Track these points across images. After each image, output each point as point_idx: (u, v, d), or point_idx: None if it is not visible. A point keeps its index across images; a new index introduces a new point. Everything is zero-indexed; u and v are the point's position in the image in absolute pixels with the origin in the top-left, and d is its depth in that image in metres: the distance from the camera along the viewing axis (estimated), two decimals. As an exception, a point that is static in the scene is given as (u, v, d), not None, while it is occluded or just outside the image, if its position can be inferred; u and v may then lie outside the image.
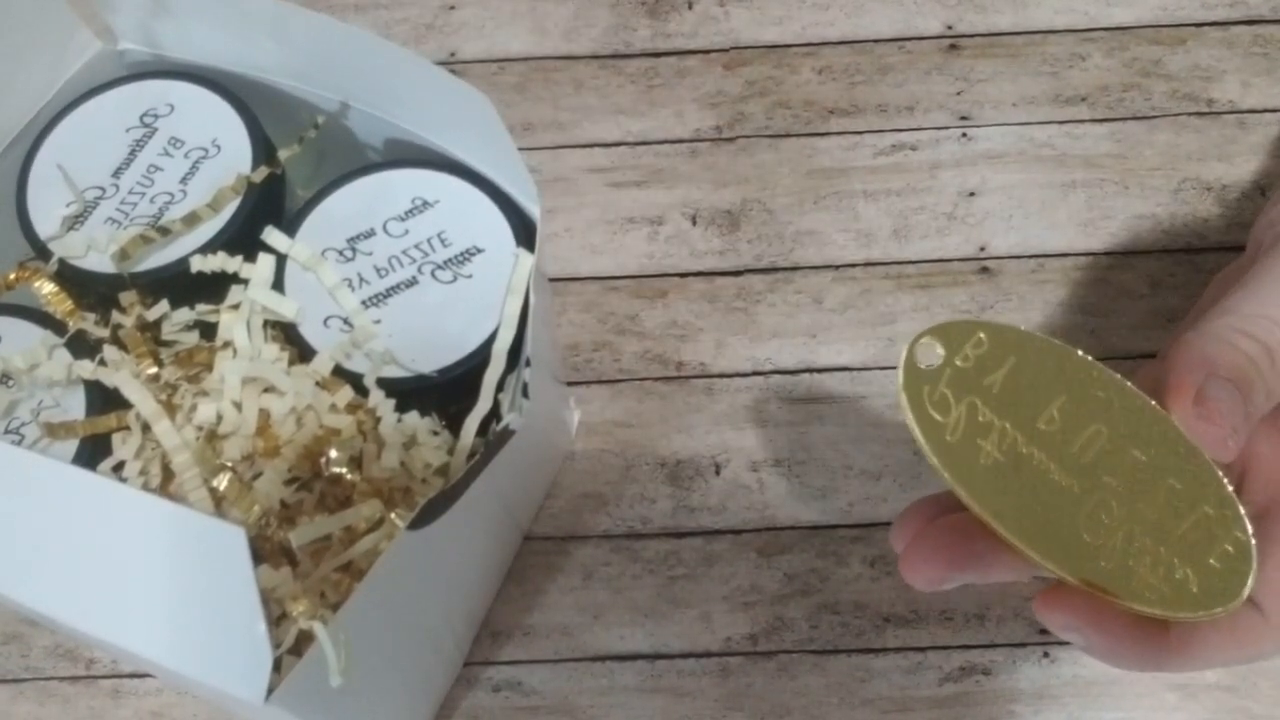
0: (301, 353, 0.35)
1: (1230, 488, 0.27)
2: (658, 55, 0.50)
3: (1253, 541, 0.27)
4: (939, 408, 0.28)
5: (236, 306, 0.35)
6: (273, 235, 0.36)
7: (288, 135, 0.38)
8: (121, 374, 0.34)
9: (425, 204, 0.36)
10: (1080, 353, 0.28)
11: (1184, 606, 0.27)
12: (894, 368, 0.33)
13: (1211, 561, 0.27)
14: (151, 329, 0.36)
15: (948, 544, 0.29)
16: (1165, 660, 0.29)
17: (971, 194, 0.46)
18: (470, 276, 0.35)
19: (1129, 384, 0.28)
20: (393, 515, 0.32)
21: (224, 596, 0.26)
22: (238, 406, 0.34)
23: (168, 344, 0.36)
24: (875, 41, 0.49)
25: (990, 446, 0.28)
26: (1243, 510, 0.27)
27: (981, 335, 0.29)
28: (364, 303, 0.35)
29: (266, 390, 0.34)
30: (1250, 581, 0.27)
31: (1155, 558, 0.27)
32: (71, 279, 0.36)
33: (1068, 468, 0.28)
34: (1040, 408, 0.28)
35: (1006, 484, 0.28)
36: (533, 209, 0.34)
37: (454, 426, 0.35)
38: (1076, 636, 0.29)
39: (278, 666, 0.26)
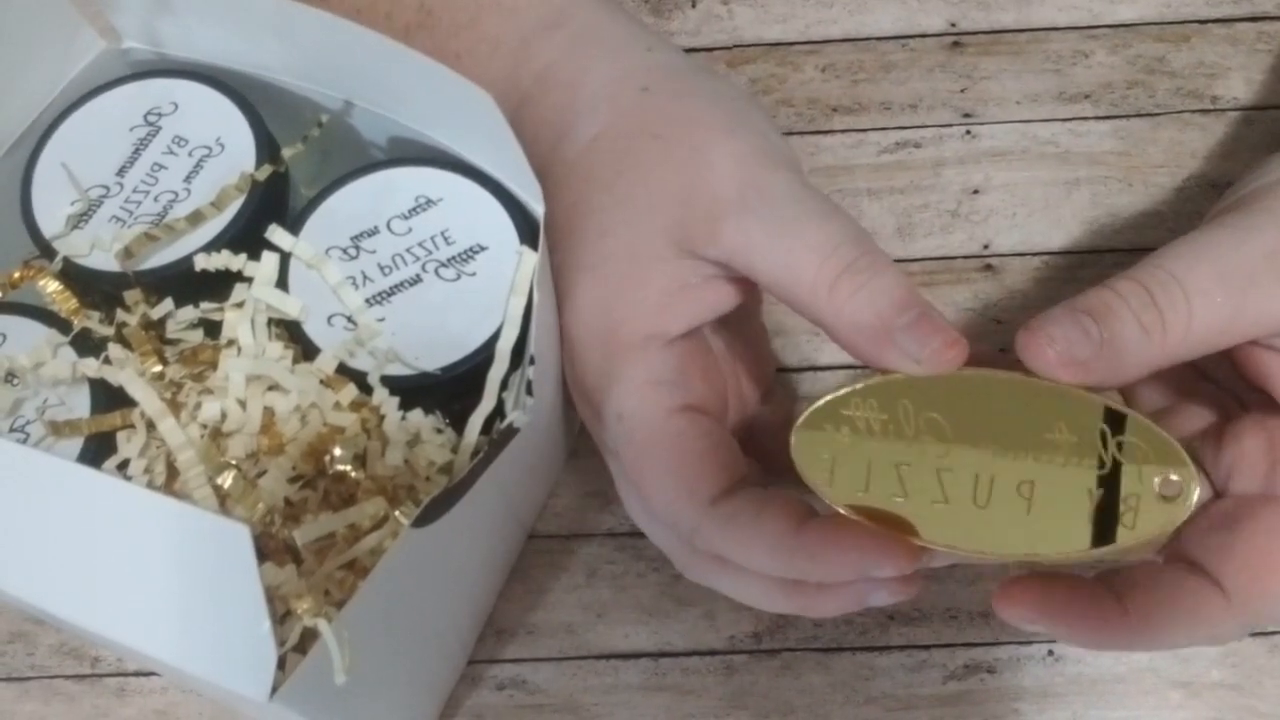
0: (305, 351, 0.35)
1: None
2: (661, 53, 0.50)
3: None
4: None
5: (240, 305, 0.35)
6: (276, 233, 0.36)
7: (292, 133, 0.38)
8: (126, 372, 0.34)
9: (429, 202, 0.36)
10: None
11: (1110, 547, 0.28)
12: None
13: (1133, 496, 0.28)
14: (156, 327, 0.36)
15: None
16: (1125, 639, 0.30)
17: (975, 192, 0.46)
18: (474, 274, 0.35)
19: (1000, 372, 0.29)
20: (397, 513, 0.32)
21: (228, 594, 0.26)
22: (242, 404, 0.34)
23: (172, 342, 0.36)
24: (878, 39, 0.49)
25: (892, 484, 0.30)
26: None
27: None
28: (368, 301, 0.35)
29: (271, 388, 0.34)
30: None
31: (1074, 509, 0.28)
32: (76, 277, 0.36)
33: (971, 469, 0.29)
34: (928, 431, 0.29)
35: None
36: (536, 207, 0.34)
37: (458, 424, 0.35)
38: (1038, 627, 0.30)
39: (282, 664, 0.27)
